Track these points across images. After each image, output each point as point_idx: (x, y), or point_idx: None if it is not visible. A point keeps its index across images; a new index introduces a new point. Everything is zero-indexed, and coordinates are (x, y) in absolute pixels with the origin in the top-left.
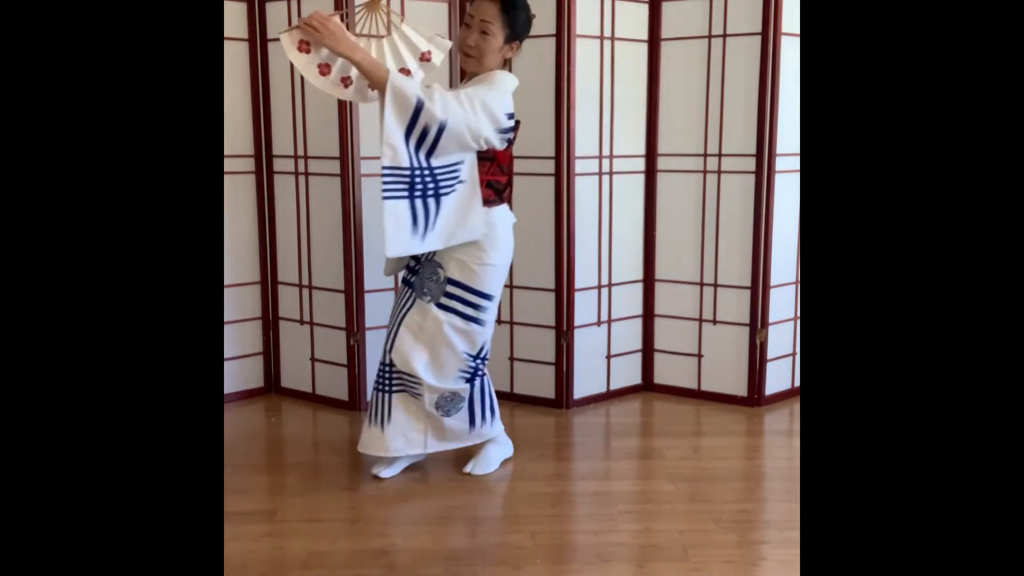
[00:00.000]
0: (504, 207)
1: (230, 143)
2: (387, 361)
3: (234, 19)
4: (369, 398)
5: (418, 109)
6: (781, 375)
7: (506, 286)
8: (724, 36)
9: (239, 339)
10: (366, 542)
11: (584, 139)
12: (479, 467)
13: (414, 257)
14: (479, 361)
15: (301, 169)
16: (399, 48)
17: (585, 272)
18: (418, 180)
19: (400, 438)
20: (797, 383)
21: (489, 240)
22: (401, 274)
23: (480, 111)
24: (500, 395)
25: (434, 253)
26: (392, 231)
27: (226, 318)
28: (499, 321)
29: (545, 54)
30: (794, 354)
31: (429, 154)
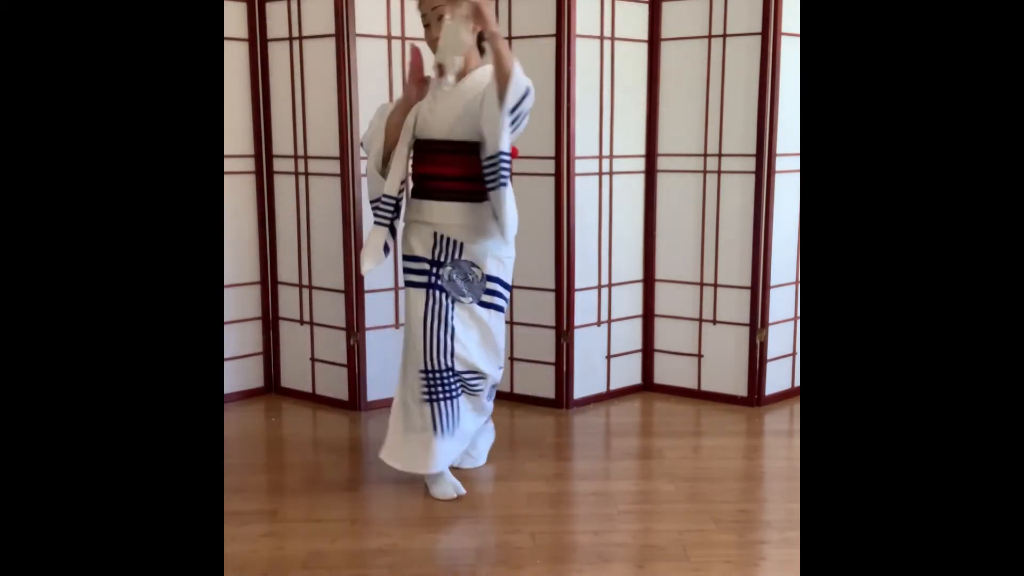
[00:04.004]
0: None
1: (230, 143)
2: (445, 366)
3: (234, 19)
4: (402, 408)
5: (526, 93)
6: (781, 375)
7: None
8: (724, 36)
9: (239, 339)
10: (366, 542)
11: (584, 139)
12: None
13: (425, 258)
14: None
15: (301, 169)
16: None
17: (585, 272)
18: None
19: (458, 445)
20: (797, 383)
21: None
22: (408, 277)
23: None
24: (500, 395)
25: (462, 251)
26: (513, 215)
27: (226, 318)
28: None
29: (545, 54)
30: (794, 354)
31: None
